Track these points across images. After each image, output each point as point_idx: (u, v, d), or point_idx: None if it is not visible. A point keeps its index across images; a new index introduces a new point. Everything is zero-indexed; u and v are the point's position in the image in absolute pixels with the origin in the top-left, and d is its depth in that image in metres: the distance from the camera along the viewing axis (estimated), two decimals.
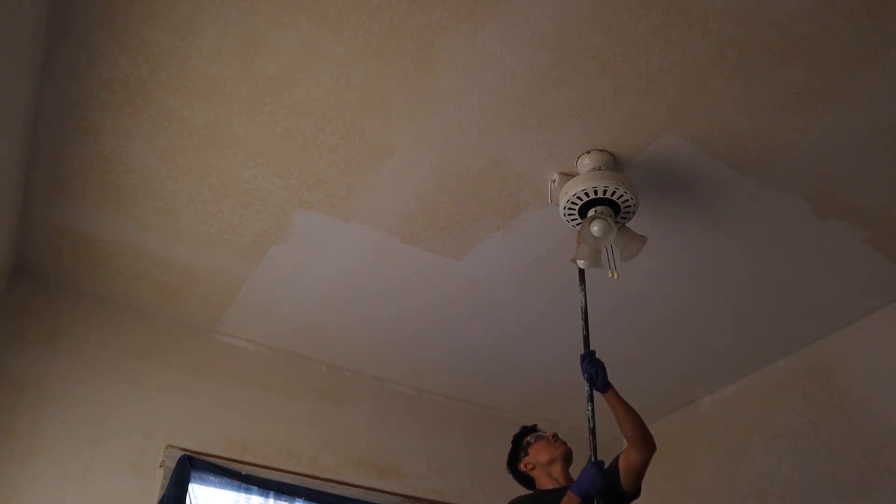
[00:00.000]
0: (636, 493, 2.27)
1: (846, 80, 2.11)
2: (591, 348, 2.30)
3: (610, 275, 2.39)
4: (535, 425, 2.63)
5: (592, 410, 2.23)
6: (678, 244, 2.76)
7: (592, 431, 2.20)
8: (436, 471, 3.53)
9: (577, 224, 2.35)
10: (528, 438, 2.53)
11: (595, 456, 2.17)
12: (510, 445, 2.57)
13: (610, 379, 2.24)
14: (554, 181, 2.45)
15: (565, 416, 3.90)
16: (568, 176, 2.42)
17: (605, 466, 2.18)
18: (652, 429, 2.29)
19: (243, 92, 2.18)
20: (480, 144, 2.35)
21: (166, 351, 3.13)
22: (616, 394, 2.26)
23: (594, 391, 2.24)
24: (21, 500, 2.58)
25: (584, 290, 2.40)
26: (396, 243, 2.78)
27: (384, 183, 2.50)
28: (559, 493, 2.25)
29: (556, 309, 3.11)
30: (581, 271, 2.41)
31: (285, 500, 3.07)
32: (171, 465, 2.85)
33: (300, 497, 3.09)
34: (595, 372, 2.22)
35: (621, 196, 2.25)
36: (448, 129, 2.29)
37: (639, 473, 2.24)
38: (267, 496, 3.03)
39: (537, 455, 2.46)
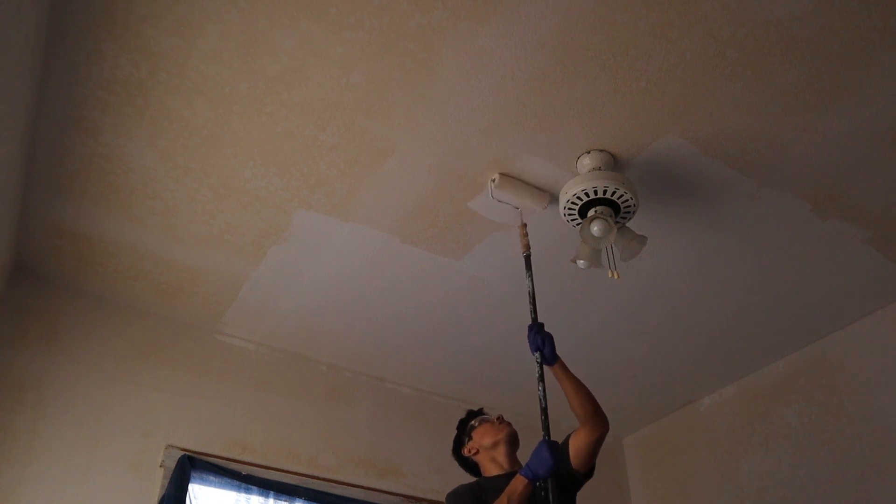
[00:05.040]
0: (589, 473, 2.14)
1: (846, 80, 2.12)
2: (541, 322, 2.19)
3: (610, 275, 2.39)
4: (481, 409, 2.49)
5: (544, 390, 2.11)
6: (678, 244, 2.76)
7: (544, 411, 2.08)
8: (436, 471, 3.53)
9: (577, 224, 2.35)
10: (473, 422, 2.39)
11: (548, 435, 2.02)
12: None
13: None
14: (493, 181, 2.43)
15: (565, 416, 3.88)
16: (509, 177, 2.43)
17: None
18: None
19: (243, 92, 2.18)
20: (480, 144, 2.35)
21: (166, 351, 3.13)
22: (564, 367, 2.15)
23: (543, 369, 2.13)
24: (21, 500, 2.58)
25: (530, 276, 2.31)
26: (396, 243, 2.78)
27: (384, 183, 2.50)
28: (504, 479, 2.12)
29: (555, 309, 3.11)
30: (527, 259, 2.34)
31: (285, 500, 3.06)
32: (171, 465, 2.84)
33: (300, 497, 3.08)
34: (542, 341, 2.13)
35: (621, 196, 2.26)
36: (448, 129, 2.29)
37: (590, 454, 2.10)
38: (267, 496, 3.03)
39: (481, 438, 2.32)
